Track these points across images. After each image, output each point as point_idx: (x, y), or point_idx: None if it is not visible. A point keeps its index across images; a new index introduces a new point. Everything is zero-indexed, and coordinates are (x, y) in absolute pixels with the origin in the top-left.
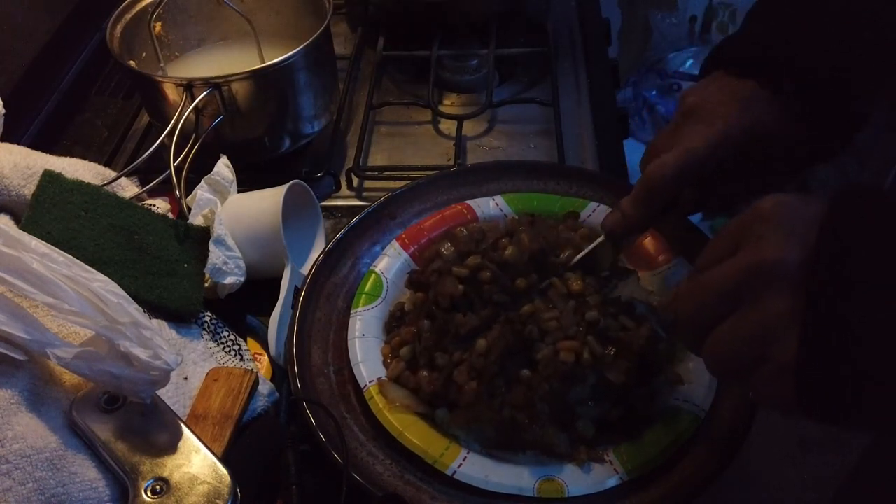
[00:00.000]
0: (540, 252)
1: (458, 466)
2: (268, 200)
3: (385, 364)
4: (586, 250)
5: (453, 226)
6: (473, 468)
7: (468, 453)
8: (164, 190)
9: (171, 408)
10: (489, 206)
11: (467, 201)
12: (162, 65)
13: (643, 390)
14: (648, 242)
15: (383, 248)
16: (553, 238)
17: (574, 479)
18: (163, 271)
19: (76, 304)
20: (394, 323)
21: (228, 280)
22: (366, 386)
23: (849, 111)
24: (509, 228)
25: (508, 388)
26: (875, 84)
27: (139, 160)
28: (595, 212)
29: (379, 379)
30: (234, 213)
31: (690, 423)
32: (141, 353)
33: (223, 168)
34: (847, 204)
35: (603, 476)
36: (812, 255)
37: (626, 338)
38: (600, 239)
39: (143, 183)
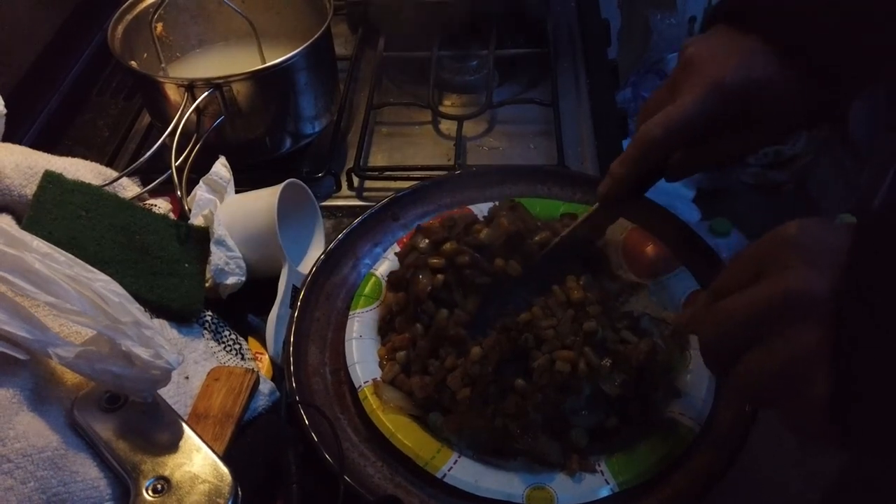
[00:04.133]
0: (517, 234)
1: (449, 470)
2: (264, 200)
3: (381, 366)
4: (581, 218)
5: None
6: (464, 472)
7: (459, 457)
8: (165, 190)
9: (173, 407)
10: (490, 208)
11: (469, 205)
12: (163, 65)
13: (639, 401)
14: (650, 250)
15: (385, 250)
16: (532, 222)
17: (564, 489)
18: (164, 271)
19: (78, 303)
20: (385, 326)
21: (230, 280)
22: (360, 386)
23: (850, 73)
24: (492, 214)
25: (502, 396)
26: (878, 50)
27: (140, 160)
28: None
29: (374, 380)
30: (232, 213)
31: (685, 435)
32: (142, 353)
33: (221, 168)
34: (874, 231)
35: (594, 486)
36: (840, 285)
37: (624, 350)
38: (595, 206)
39: (144, 183)
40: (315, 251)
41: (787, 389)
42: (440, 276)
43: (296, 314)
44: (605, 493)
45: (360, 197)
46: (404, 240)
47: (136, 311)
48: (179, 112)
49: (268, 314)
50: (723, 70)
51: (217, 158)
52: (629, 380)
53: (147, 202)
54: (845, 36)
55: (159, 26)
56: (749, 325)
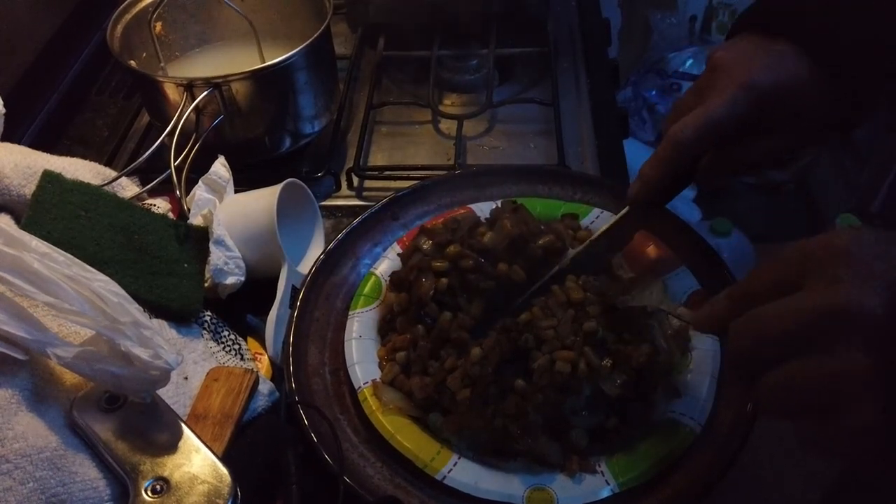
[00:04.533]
0: (520, 238)
1: (449, 471)
2: (263, 200)
3: (381, 366)
4: (611, 221)
5: None
6: (464, 474)
7: (459, 458)
8: (164, 190)
9: (172, 407)
10: (491, 209)
11: (470, 205)
12: (162, 65)
13: (639, 402)
14: (651, 250)
15: (384, 250)
16: (535, 226)
17: (565, 490)
18: (163, 271)
19: (77, 303)
20: (386, 326)
21: (230, 280)
22: (360, 387)
23: (879, 79)
24: (494, 217)
25: (502, 397)
26: None
27: (139, 160)
28: (598, 218)
29: (373, 381)
30: (231, 212)
31: (686, 436)
32: (141, 353)
33: (220, 168)
34: None
35: (594, 487)
36: None
37: (625, 351)
38: (625, 210)
39: (143, 183)
40: (315, 251)
41: (824, 409)
42: (444, 280)
43: (295, 314)
44: (605, 493)
45: (359, 197)
46: (404, 240)
47: (136, 311)
48: (178, 111)
49: (267, 314)
50: (751, 71)
51: (216, 158)
52: (629, 380)
53: (146, 202)
54: (870, 43)
55: (158, 25)
56: (790, 337)
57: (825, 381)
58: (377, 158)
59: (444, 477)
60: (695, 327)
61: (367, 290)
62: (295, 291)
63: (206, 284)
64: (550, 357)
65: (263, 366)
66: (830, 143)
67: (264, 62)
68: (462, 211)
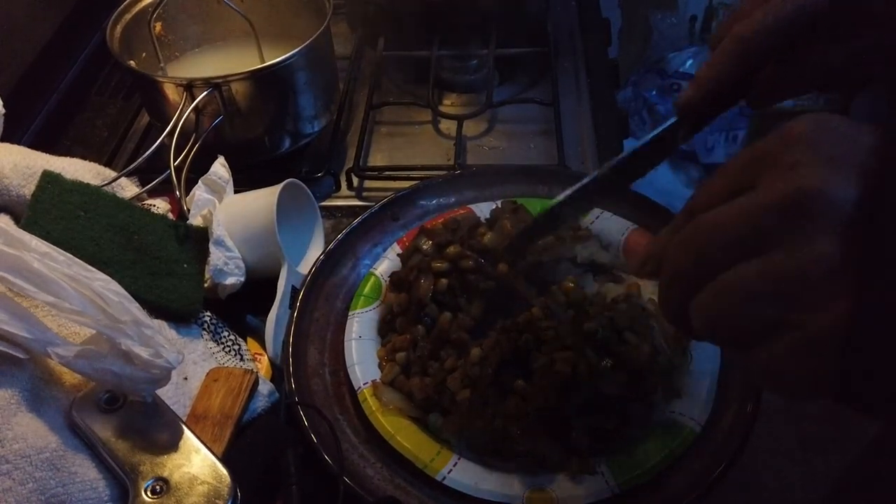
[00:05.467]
0: None
1: (448, 472)
2: (263, 200)
3: (381, 367)
4: (657, 130)
5: None
6: (463, 474)
7: (459, 459)
8: (164, 190)
9: (172, 408)
10: (491, 209)
11: (470, 205)
12: (162, 65)
13: (639, 402)
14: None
15: (384, 250)
16: None
17: (565, 490)
18: (162, 271)
19: (77, 302)
20: (386, 326)
21: (229, 280)
22: (360, 388)
23: None
24: (494, 217)
25: (502, 397)
26: None
27: (139, 160)
28: (599, 218)
29: (373, 381)
30: (231, 213)
31: (686, 436)
32: (142, 352)
33: (219, 168)
34: None
35: (594, 488)
36: (870, 191)
37: (625, 351)
38: (672, 120)
39: (143, 183)
40: (314, 251)
41: (774, 319)
42: (444, 280)
43: (295, 315)
44: (605, 494)
45: (359, 197)
46: (404, 240)
47: (136, 310)
48: (178, 112)
49: (267, 315)
50: None
51: (216, 158)
52: (629, 380)
53: (146, 202)
54: None
55: (158, 26)
56: (742, 239)
57: (780, 283)
58: (377, 159)
59: (444, 477)
60: (632, 271)
61: (366, 290)
62: (295, 292)
63: (205, 285)
64: (550, 357)
65: (263, 366)
66: None
67: (264, 62)
68: (462, 211)
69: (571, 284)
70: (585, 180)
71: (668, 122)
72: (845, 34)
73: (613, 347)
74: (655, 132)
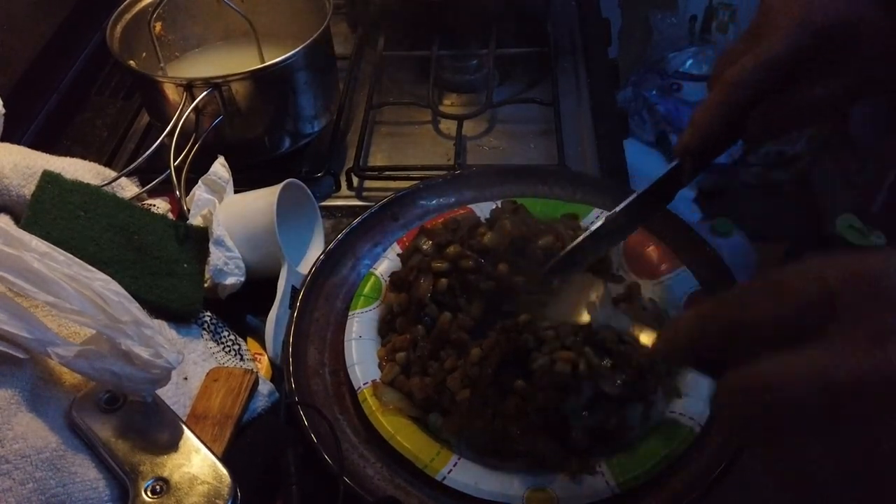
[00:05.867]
0: (521, 238)
1: (448, 472)
2: (263, 200)
3: (381, 367)
4: (661, 174)
5: None
6: (463, 474)
7: (459, 459)
8: (164, 190)
9: (172, 408)
10: (491, 209)
11: (470, 205)
12: (162, 65)
13: (639, 402)
14: (651, 250)
15: (384, 250)
16: (535, 226)
17: (565, 490)
18: (162, 271)
19: (77, 302)
20: (386, 326)
21: (229, 280)
22: (360, 388)
23: None
24: (494, 217)
25: (502, 397)
26: None
27: (139, 160)
28: (599, 218)
29: (373, 381)
30: (231, 213)
31: (686, 436)
32: (142, 352)
33: (219, 168)
34: None
35: (594, 488)
36: None
37: (624, 350)
38: (674, 163)
39: (143, 183)
40: (314, 251)
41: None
42: (443, 280)
43: (295, 314)
44: (605, 493)
45: (359, 197)
46: (404, 240)
47: (136, 310)
48: (178, 112)
49: (267, 315)
50: (809, 9)
51: (216, 158)
52: (629, 380)
53: (146, 202)
54: None
55: (158, 25)
56: (815, 408)
57: (858, 476)
58: (377, 159)
59: (444, 477)
60: (649, 353)
61: (366, 290)
62: (295, 292)
63: (205, 285)
64: (550, 357)
65: (263, 366)
66: (829, 143)
67: (264, 62)
68: (462, 211)
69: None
70: (596, 226)
71: (670, 166)
72: (831, 71)
73: (613, 347)
74: (659, 176)
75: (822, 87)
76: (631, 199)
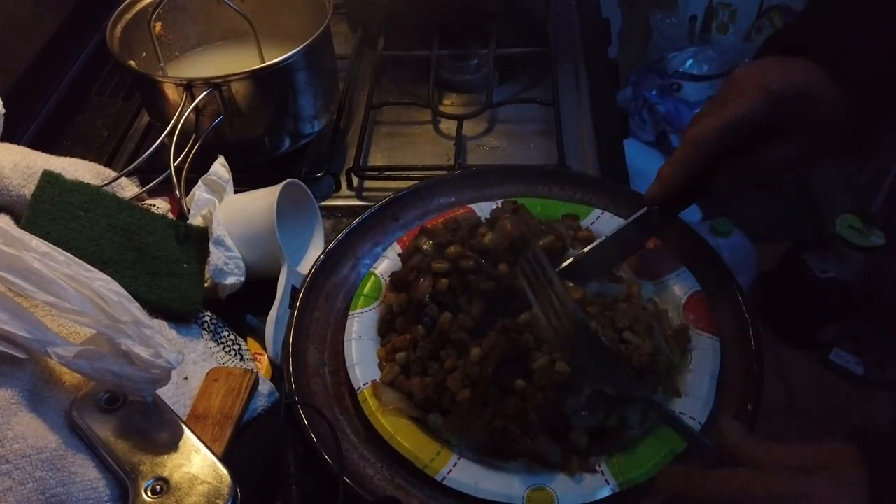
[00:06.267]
0: (521, 238)
1: (448, 472)
2: (263, 200)
3: (381, 367)
4: (630, 220)
5: None
6: (463, 474)
7: (459, 459)
8: (164, 190)
9: (172, 408)
10: (491, 209)
11: (470, 205)
12: (162, 65)
13: (640, 402)
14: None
15: (384, 250)
16: (535, 226)
17: (565, 489)
18: (162, 271)
19: (77, 302)
20: (386, 326)
21: (229, 280)
22: (360, 388)
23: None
24: (495, 217)
25: (502, 397)
26: None
27: (139, 160)
28: (599, 218)
29: (373, 381)
30: (231, 213)
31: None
32: (142, 352)
33: (220, 168)
34: None
35: (594, 487)
36: None
37: (625, 350)
38: (643, 210)
39: (143, 183)
40: (314, 251)
41: None
42: (444, 280)
43: (295, 314)
44: (605, 493)
45: (359, 197)
46: (404, 240)
47: (136, 310)
48: (178, 112)
49: (267, 315)
50: (767, 78)
51: (216, 158)
52: (629, 380)
53: (146, 202)
54: (884, 55)
55: (158, 25)
56: None
57: None
58: (377, 158)
59: (444, 477)
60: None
61: (366, 290)
62: (295, 291)
63: (205, 284)
64: (550, 357)
65: (263, 366)
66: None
67: (264, 62)
68: (462, 211)
69: (572, 284)
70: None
71: (640, 212)
72: (789, 134)
73: (613, 346)
74: (631, 218)
75: (779, 148)
76: (594, 244)
